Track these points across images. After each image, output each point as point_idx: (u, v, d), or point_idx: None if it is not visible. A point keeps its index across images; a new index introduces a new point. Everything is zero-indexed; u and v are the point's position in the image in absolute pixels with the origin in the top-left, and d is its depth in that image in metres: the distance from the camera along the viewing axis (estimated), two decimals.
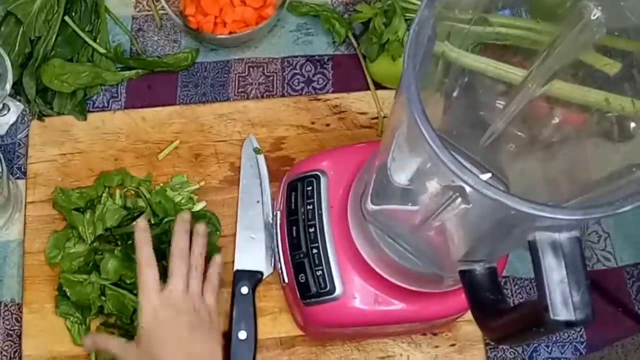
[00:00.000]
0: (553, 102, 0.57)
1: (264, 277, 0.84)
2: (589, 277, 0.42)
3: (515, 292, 0.87)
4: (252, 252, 0.85)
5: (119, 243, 0.83)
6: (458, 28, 0.56)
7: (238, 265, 0.85)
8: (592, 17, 0.48)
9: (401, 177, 0.55)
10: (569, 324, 0.41)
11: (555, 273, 0.42)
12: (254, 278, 0.84)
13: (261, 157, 0.90)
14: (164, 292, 0.74)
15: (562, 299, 0.41)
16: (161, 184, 0.88)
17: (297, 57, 0.97)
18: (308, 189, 0.76)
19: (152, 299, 0.73)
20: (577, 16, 0.49)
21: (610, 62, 0.52)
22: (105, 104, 0.95)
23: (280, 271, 0.79)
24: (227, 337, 0.81)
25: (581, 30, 0.49)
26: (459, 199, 0.44)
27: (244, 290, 0.83)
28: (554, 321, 0.41)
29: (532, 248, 0.43)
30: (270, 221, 0.86)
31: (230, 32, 0.94)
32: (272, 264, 0.84)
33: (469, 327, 0.84)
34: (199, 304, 0.75)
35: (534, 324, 0.44)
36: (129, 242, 0.81)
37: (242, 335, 0.81)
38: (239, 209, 0.88)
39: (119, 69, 0.96)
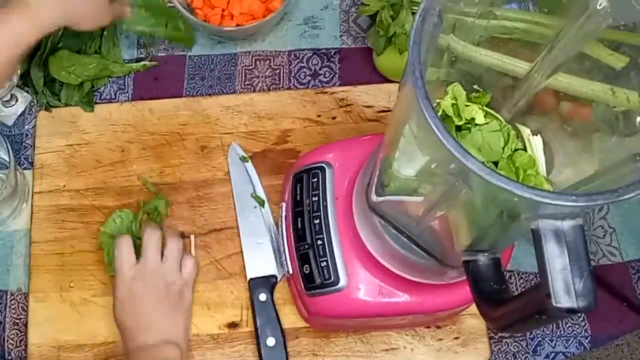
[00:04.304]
0: (559, 95, 0.57)
1: (279, 279, 0.85)
2: (591, 265, 0.42)
3: (520, 286, 0.87)
4: (261, 257, 0.86)
5: None
6: (464, 21, 0.56)
7: (251, 274, 0.85)
8: (598, 7, 0.48)
9: (408, 169, 0.55)
10: (570, 311, 0.41)
11: (557, 260, 0.42)
12: (269, 283, 0.84)
13: (249, 165, 0.90)
14: (138, 264, 0.78)
15: (565, 286, 0.41)
16: None
17: (303, 50, 0.97)
18: (313, 180, 0.76)
19: (125, 271, 0.77)
20: (583, 6, 0.49)
21: (614, 54, 0.52)
22: (113, 96, 0.95)
23: (285, 262, 0.79)
24: (257, 345, 0.82)
25: (587, 19, 0.49)
26: (463, 186, 0.44)
27: (262, 297, 0.83)
28: (556, 308, 0.41)
29: (535, 236, 0.43)
30: (272, 222, 0.87)
31: (238, 25, 0.94)
32: (285, 265, 0.80)
33: (473, 320, 0.84)
34: (173, 277, 0.78)
35: (537, 311, 0.44)
36: None
37: (271, 342, 0.81)
38: (239, 218, 0.88)
39: (126, 61, 0.97)
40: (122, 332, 0.77)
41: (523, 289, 0.87)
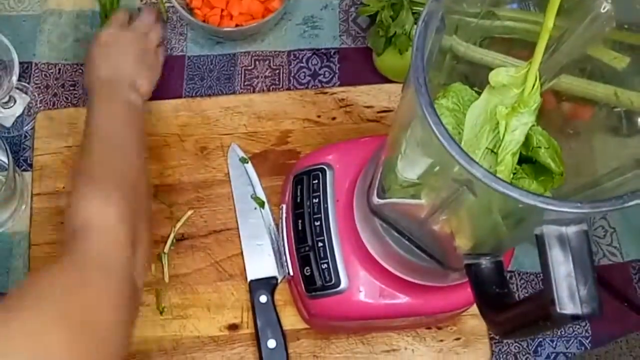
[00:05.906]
0: (560, 96, 0.57)
1: (279, 281, 0.85)
2: (596, 271, 0.42)
3: (521, 286, 0.87)
4: (261, 259, 0.86)
5: None
6: (466, 22, 0.55)
7: (251, 275, 0.85)
8: (602, 10, 0.47)
9: (410, 173, 0.55)
10: (575, 318, 0.41)
11: (562, 267, 0.42)
12: (269, 285, 0.84)
13: (249, 166, 0.90)
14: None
15: (569, 293, 0.41)
16: None
17: (303, 50, 0.97)
18: (314, 182, 0.76)
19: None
20: (586, 9, 0.49)
21: (618, 56, 0.52)
22: None
23: (285, 264, 0.79)
24: (257, 347, 0.82)
25: (590, 23, 0.48)
26: (467, 192, 0.44)
27: (263, 299, 0.83)
28: (561, 315, 0.41)
29: (539, 241, 0.43)
30: (272, 223, 0.87)
31: (237, 25, 0.93)
32: (285, 267, 0.80)
33: (473, 321, 0.84)
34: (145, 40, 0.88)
35: (540, 317, 0.44)
36: None
37: (272, 344, 0.81)
38: (239, 219, 0.88)
39: None
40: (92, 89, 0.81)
41: (524, 289, 0.87)
